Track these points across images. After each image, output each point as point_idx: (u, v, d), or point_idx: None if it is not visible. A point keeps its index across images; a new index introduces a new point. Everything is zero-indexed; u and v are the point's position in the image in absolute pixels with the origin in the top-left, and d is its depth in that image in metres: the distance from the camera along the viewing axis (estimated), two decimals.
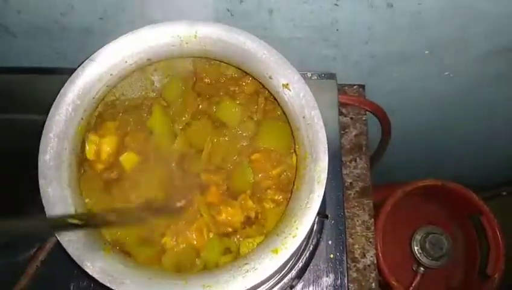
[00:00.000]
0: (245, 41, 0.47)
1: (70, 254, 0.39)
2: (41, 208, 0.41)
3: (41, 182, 0.41)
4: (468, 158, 1.20)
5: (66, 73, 0.66)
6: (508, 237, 1.10)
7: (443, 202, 1.09)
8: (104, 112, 0.51)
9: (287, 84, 0.47)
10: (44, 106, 0.49)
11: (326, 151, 0.45)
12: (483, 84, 0.85)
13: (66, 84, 0.45)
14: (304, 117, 0.47)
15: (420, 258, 1.00)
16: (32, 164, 0.44)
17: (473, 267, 1.05)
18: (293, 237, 0.43)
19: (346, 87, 0.83)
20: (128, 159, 0.49)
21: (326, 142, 0.45)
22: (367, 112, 0.83)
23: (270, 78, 0.48)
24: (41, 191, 0.41)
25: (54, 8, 0.66)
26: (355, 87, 0.84)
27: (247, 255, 0.43)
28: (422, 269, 1.00)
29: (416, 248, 1.00)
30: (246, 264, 0.42)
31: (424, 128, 1.04)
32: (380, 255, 0.94)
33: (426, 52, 0.74)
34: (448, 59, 0.76)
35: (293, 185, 0.46)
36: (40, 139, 0.44)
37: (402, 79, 0.83)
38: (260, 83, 0.50)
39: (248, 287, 0.41)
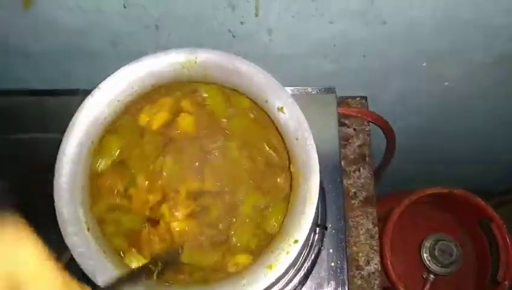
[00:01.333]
0: (241, 66, 0.50)
1: (83, 268, 0.43)
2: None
3: (57, 203, 0.45)
4: (475, 165, 1.21)
5: (78, 94, 0.71)
6: None
7: (452, 209, 1.10)
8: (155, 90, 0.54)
9: (282, 108, 0.50)
10: (56, 125, 0.54)
11: (318, 171, 0.47)
12: (485, 93, 0.86)
13: (76, 112, 0.49)
14: (297, 139, 0.49)
15: (430, 265, 1.00)
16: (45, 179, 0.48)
17: (485, 274, 1.05)
18: (287, 253, 0.45)
19: (349, 99, 0.85)
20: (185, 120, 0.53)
21: (317, 162, 0.48)
22: (370, 123, 0.85)
23: (266, 101, 0.51)
24: (56, 210, 0.45)
25: (67, 33, 0.71)
26: (358, 98, 0.85)
27: (243, 271, 0.46)
28: (432, 276, 1.01)
29: (425, 255, 1.01)
30: (243, 279, 0.45)
31: (429, 136, 1.05)
32: (389, 263, 0.95)
33: (424, 64, 0.76)
34: (446, 70, 0.78)
35: (288, 202, 0.49)
36: (52, 155, 0.49)
37: (402, 90, 0.85)
38: (257, 105, 0.53)
39: None
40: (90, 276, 0.43)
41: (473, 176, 1.25)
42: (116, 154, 0.52)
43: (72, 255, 0.44)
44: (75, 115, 0.49)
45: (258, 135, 0.54)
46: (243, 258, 0.49)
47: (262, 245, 0.49)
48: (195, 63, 0.51)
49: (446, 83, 0.82)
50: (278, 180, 0.53)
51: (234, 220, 0.51)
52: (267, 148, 0.54)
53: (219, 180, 0.52)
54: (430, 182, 1.04)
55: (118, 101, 0.51)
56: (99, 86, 0.50)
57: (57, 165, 0.48)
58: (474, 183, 1.18)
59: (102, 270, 0.44)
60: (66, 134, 0.49)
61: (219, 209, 0.51)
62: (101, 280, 0.43)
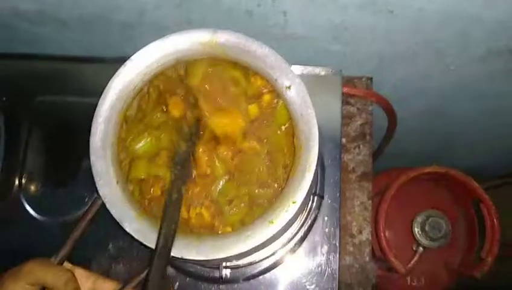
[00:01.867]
0: (256, 48, 0.56)
1: (113, 215, 0.51)
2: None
3: (92, 158, 0.53)
4: (478, 147, 1.26)
5: (110, 62, 0.78)
6: None
7: (448, 188, 1.16)
8: None
9: (289, 86, 0.56)
10: (92, 90, 0.61)
11: (317, 145, 0.53)
12: (489, 79, 0.90)
13: (111, 79, 0.56)
14: (301, 114, 0.56)
15: (419, 239, 1.08)
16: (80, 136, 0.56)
17: (472, 250, 1.12)
18: (286, 211, 0.53)
19: (355, 80, 0.91)
20: None
21: (317, 137, 0.54)
22: (373, 103, 0.91)
23: (276, 80, 0.57)
24: (91, 165, 0.53)
25: (102, 6, 0.77)
26: (363, 79, 0.90)
27: (250, 225, 0.54)
28: (421, 248, 1.09)
29: (416, 229, 1.09)
30: (247, 230, 0.53)
31: (432, 117, 1.11)
32: (382, 234, 1.03)
33: (430, 50, 0.80)
34: (450, 57, 0.82)
35: (290, 170, 0.56)
36: (86, 116, 0.56)
37: (408, 72, 0.90)
38: (268, 83, 0.59)
39: (249, 248, 0.52)
40: (118, 221, 0.51)
41: (479, 158, 1.31)
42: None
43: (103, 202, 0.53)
44: (109, 82, 0.56)
45: (284, 143, 0.60)
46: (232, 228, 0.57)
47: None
48: (216, 43, 0.57)
49: (452, 68, 0.87)
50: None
51: (233, 201, 0.58)
52: (287, 155, 0.60)
53: (240, 169, 0.59)
54: (432, 161, 1.10)
55: (147, 72, 0.58)
56: (131, 58, 0.57)
57: (92, 126, 0.55)
58: (480, 166, 1.24)
59: (128, 218, 0.52)
60: (101, 99, 0.56)
61: (228, 188, 0.59)
62: (127, 226, 0.51)
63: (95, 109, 0.56)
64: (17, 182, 0.77)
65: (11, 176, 0.77)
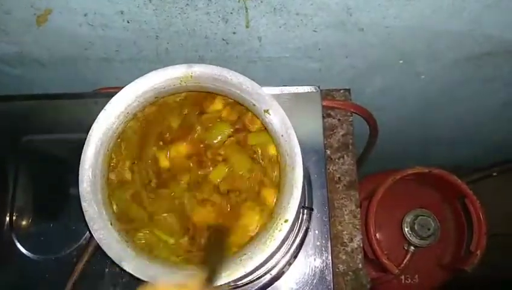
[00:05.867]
0: (231, 77, 0.58)
1: (111, 256, 0.52)
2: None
3: (83, 204, 0.54)
4: (459, 145, 1.30)
5: (88, 97, 0.79)
6: (500, 214, 1.20)
7: (433, 186, 1.19)
8: None
9: (267, 110, 0.58)
10: (74, 126, 0.61)
11: (301, 162, 0.56)
12: (459, 85, 0.94)
13: (93, 124, 0.57)
14: (282, 135, 0.58)
15: (410, 238, 1.10)
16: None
17: (462, 245, 1.15)
18: (279, 231, 0.54)
19: (333, 92, 0.93)
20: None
21: (300, 154, 0.56)
22: (353, 113, 0.93)
23: (254, 105, 0.59)
24: (83, 211, 0.54)
25: (78, 45, 0.78)
26: (341, 91, 0.93)
27: (245, 247, 0.56)
28: (412, 248, 1.11)
29: (406, 229, 1.11)
30: (245, 254, 0.54)
31: (412, 121, 1.14)
32: (373, 237, 1.05)
33: (400, 61, 0.83)
34: (421, 67, 0.86)
35: (278, 189, 0.58)
36: (72, 151, 0.57)
37: (383, 83, 0.93)
38: (247, 108, 0.61)
39: (247, 271, 0.53)
40: (116, 262, 0.52)
41: (460, 154, 1.35)
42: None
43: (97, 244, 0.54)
44: (91, 128, 0.58)
45: None
46: None
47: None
48: (191, 77, 0.59)
49: (423, 76, 0.90)
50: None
51: None
52: None
53: None
54: (421, 160, 1.13)
55: (127, 113, 0.59)
56: (110, 101, 0.58)
57: (80, 173, 0.56)
58: (462, 160, 1.28)
59: (125, 257, 0.53)
60: (85, 145, 0.57)
61: None
62: (125, 265, 0.52)
63: (79, 144, 0.57)
64: (7, 221, 0.76)
65: (1, 215, 0.76)
